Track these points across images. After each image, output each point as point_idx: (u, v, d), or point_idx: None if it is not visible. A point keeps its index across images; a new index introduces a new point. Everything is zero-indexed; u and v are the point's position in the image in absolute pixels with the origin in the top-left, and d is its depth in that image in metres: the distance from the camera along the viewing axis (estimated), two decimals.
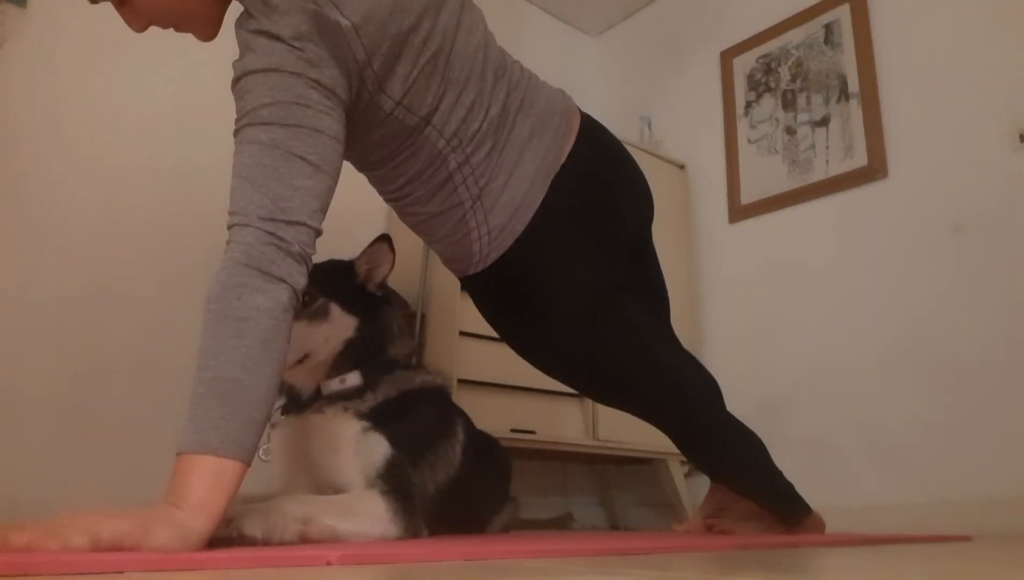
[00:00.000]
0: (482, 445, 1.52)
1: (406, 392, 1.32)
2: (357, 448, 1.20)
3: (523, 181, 1.20)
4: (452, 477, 1.33)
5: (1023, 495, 1.86)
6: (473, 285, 1.34)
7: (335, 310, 1.32)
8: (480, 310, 1.40)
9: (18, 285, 1.78)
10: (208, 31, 1.13)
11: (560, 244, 1.25)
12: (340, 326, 1.32)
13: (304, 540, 0.99)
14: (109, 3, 1.08)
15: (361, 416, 1.24)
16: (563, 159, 1.24)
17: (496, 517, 1.59)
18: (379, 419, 1.24)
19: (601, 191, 1.31)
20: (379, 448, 1.20)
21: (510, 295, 1.30)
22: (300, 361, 1.28)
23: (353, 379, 1.29)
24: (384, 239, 1.38)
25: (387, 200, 1.29)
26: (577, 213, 1.26)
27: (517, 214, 1.20)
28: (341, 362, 1.31)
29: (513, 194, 1.19)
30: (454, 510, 1.33)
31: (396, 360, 1.37)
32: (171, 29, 1.13)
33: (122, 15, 1.09)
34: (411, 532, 1.13)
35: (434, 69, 1.10)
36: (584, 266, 1.29)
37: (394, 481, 1.17)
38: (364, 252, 1.40)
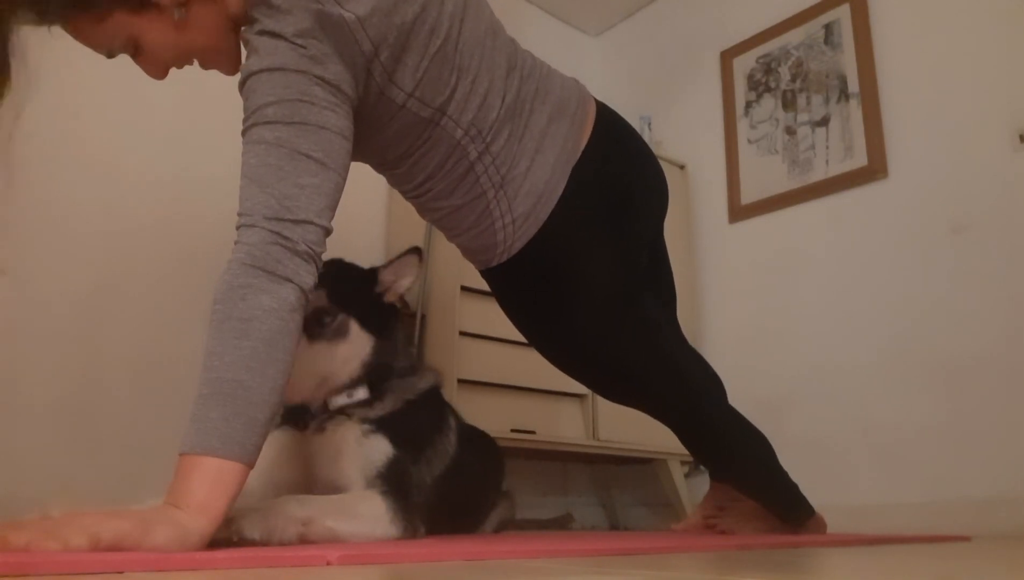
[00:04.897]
0: (472, 436, 1.53)
1: (409, 401, 1.32)
2: (359, 451, 1.20)
3: (544, 168, 1.20)
4: (448, 467, 1.33)
5: (1023, 495, 1.86)
6: (495, 276, 1.34)
7: (354, 328, 1.29)
8: (500, 301, 1.39)
9: (21, 287, 1.78)
10: (229, 63, 1.11)
11: (584, 233, 1.25)
12: (358, 345, 1.28)
13: (304, 541, 0.99)
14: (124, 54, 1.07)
15: (364, 421, 1.24)
16: (582, 147, 1.24)
17: (492, 512, 1.58)
18: (382, 423, 1.24)
19: (621, 181, 1.30)
20: (381, 448, 1.20)
21: (533, 285, 1.30)
22: (318, 385, 1.25)
23: (360, 394, 1.27)
24: (415, 252, 1.36)
25: (408, 198, 1.29)
26: (599, 203, 1.26)
27: (541, 201, 1.20)
28: (354, 383, 1.29)
29: (535, 181, 1.19)
30: (451, 499, 1.33)
31: (399, 370, 1.35)
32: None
33: (140, 64, 1.08)
34: (410, 532, 1.13)
35: (444, 58, 1.09)
36: (608, 256, 1.29)
37: (394, 481, 1.16)
38: (392, 263, 1.36)
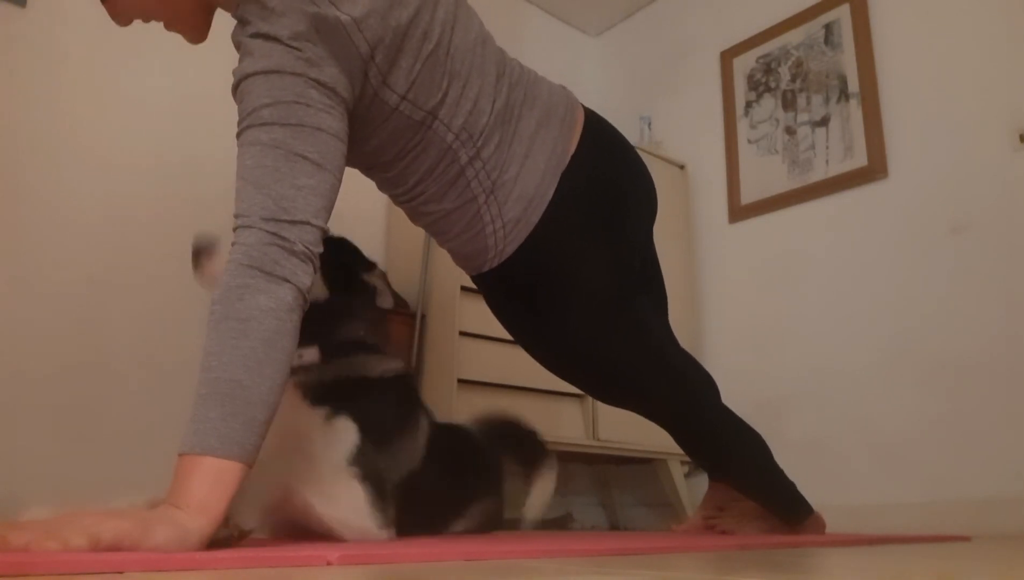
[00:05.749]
0: (454, 439, 1.47)
1: (367, 379, 1.26)
2: (326, 438, 1.15)
3: (535, 173, 1.20)
4: (414, 471, 1.27)
5: (1023, 495, 1.86)
6: (486, 282, 1.34)
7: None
8: (492, 307, 1.40)
9: (19, 283, 1.78)
10: (194, 35, 1.16)
11: (574, 237, 1.26)
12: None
13: (283, 511, 0.96)
14: None
15: (317, 397, 1.18)
16: (571, 153, 1.24)
17: (460, 519, 1.47)
18: (340, 402, 1.19)
19: (610, 185, 1.31)
20: (349, 435, 1.16)
21: (525, 289, 1.30)
22: None
23: (311, 355, 1.22)
24: (404, 303, 1.35)
25: (399, 202, 1.29)
26: (589, 207, 1.27)
27: (531, 206, 1.20)
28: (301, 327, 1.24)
29: (526, 186, 1.20)
30: (414, 506, 1.26)
31: (357, 343, 1.30)
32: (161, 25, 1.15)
33: (106, 8, 1.11)
34: (385, 525, 1.11)
35: (436, 62, 1.10)
36: (599, 260, 1.30)
37: (368, 468, 1.13)
38: (390, 286, 1.36)
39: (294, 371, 1.19)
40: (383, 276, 1.40)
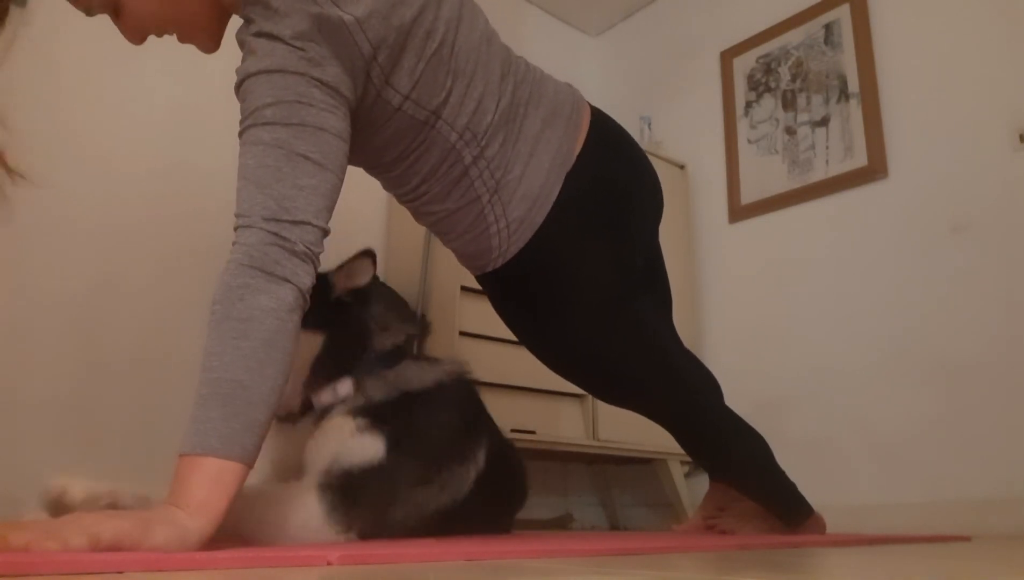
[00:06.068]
0: (504, 467, 1.41)
1: (413, 394, 1.22)
2: (342, 448, 1.11)
3: (539, 173, 1.20)
4: (457, 502, 1.22)
5: (1023, 495, 1.86)
6: (490, 282, 1.34)
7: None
8: (496, 305, 1.39)
9: (19, 285, 1.78)
10: (209, 43, 1.14)
11: (579, 237, 1.26)
12: (304, 348, 1.16)
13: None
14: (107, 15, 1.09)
15: (356, 414, 1.16)
16: (576, 152, 1.24)
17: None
18: (380, 417, 1.15)
19: (616, 185, 1.31)
20: (366, 451, 1.11)
21: (528, 289, 1.30)
22: None
23: (345, 388, 1.21)
24: (367, 254, 1.28)
25: (403, 201, 1.29)
26: (594, 207, 1.27)
27: (535, 206, 1.20)
28: (320, 373, 1.20)
29: (530, 186, 1.20)
30: (447, 529, 1.24)
31: (391, 353, 1.26)
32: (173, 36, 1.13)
33: (119, 27, 1.09)
34: (343, 532, 1.06)
35: (440, 61, 1.10)
36: (603, 259, 1.30)
37: (342, 479, 1.07)
38: (344, 266, 1.28)
39: (336, 406, 1.17)
40: (339, 268, 1.29)
